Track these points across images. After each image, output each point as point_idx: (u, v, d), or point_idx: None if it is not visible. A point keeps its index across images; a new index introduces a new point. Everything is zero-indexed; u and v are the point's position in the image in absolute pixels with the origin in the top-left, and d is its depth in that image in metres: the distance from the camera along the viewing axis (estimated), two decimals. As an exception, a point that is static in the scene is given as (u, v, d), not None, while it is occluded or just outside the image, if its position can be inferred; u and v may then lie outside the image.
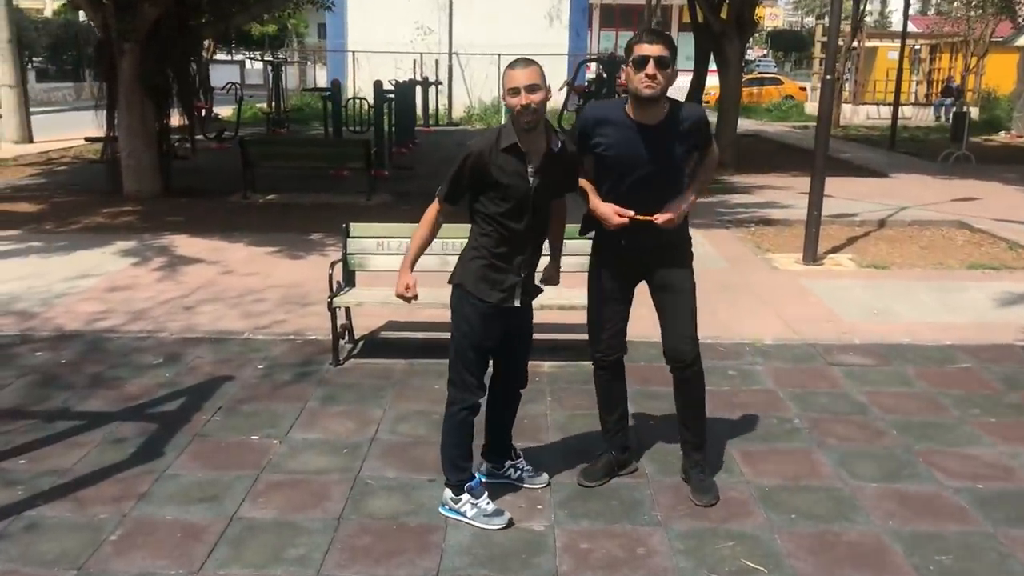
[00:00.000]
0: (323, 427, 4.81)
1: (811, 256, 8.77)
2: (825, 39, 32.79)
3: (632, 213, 3.77)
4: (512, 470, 4.13)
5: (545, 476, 4.15)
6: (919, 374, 5.72)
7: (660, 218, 3.78)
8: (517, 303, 3.73)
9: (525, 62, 3.56)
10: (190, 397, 5.20)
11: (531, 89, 3.47)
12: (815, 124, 8.99)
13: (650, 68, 3.60)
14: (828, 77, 8.48)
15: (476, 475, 3.91)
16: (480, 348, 3.71)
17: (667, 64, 3.63)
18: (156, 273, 8.11)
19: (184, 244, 9.33)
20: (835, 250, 9.46)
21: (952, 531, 3.81)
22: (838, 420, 4.98)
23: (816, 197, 8.65)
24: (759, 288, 7.71)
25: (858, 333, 6.51)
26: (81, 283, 7.68)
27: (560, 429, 4.79)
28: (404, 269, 3.81)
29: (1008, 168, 16.90)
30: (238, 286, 7.64)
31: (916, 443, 4.68)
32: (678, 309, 3.97)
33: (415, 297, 3.83)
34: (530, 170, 3.61)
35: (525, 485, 4.10)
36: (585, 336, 5.96)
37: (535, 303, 3.96)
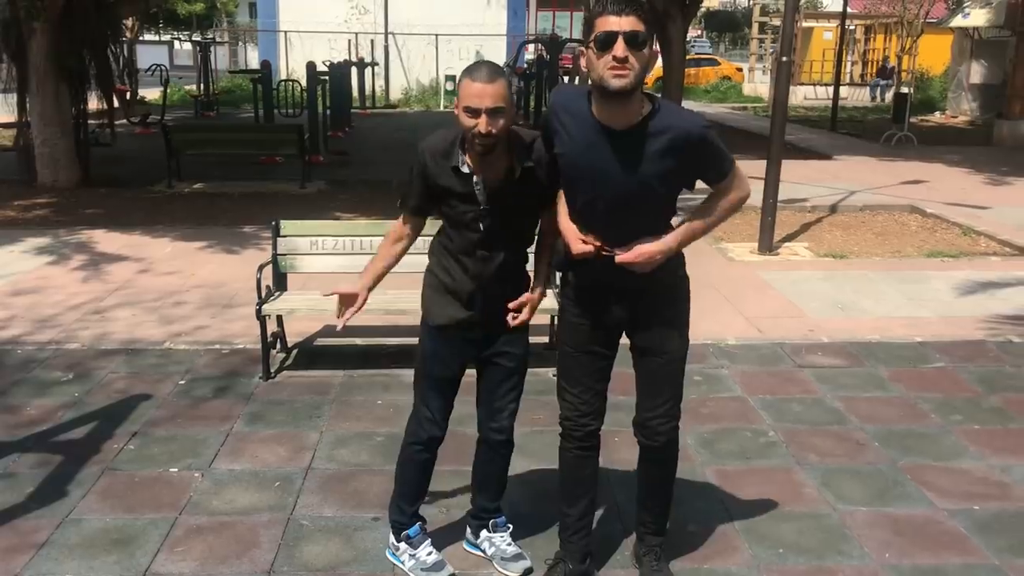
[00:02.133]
0: (251, 455, 4.28)
1: (767, 245, 8.44)
2: (763, 20, 32.90)
3: (597, 243, 2.88)
4: (487, 544, 3.43)
5: (524, 563, 3.35)
6: (894, 376, 5.39)
7: (620, 254, 2.84)
8: (472, 335, 3.14)
9: (490, 72, 2.81)
10: (101, 421, 4.63)
11: (495, 113, 2.78)
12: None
13: (619, 49, 2.61)
14: (784, 59, 8.12)
15: (417, 523, 3.36)
16: (431, 376, 3.19)
17: (642, 42, 2.64)
18: (69, 274, 7.45)
19: (102, 240, 8.65)
20: (790, 238, 9.16)
21: (955, 564, 3.45)
22: (815, 432, 4.61)
23: (772, 185, 8.31)
24: (717, 282, 7.34)
25: (825, 331, 6.18)
26: (-17, 287, 7.00)
27: (518, 451, 4.30)
28: (360, 281, 3.18)
29: (949, 149, 16.88)
30: (159, 287, 7.03)
31: (901, 457, 4.34)
32: (658, 380, 3.12)
33: (343, 319, 3.18)
34: (479, 191, 2.94)
35: (496, 568, 3.38)
36: (543, 339, 5.52)
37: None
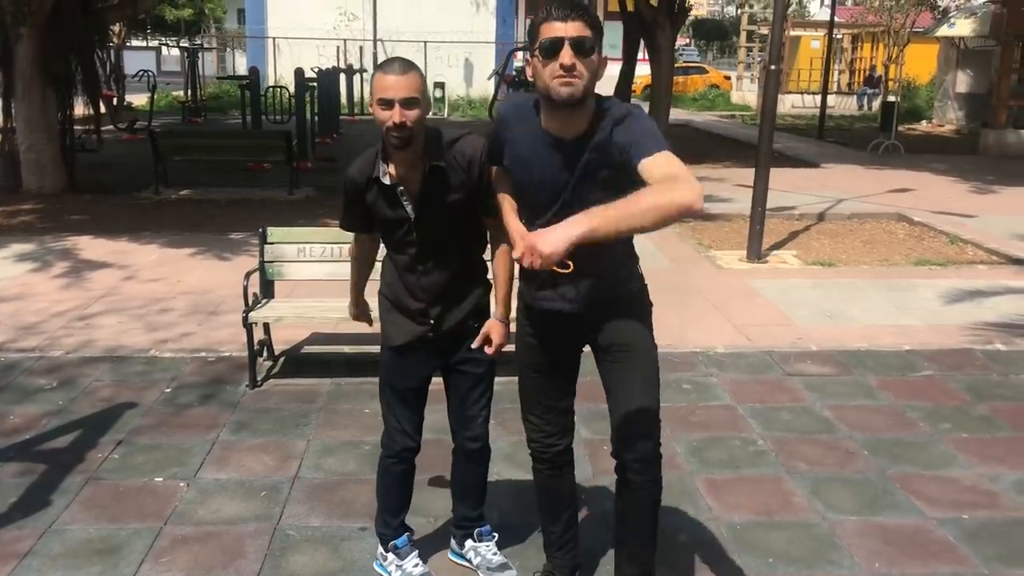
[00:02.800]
0: (237, 464, 4.24)
1: (755, 253, 8.45)
2: (751, 28, 33.05)
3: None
4: (472, 553, 3.39)
5: (510, 573, 3.31)
6: (882, 384, 5.39)
7: (517, 249, 2.36)
8: (434, 346, 3.08)
9: (403, 65, 2.77)
10: (85, 429, 4.58)
11: (408, 104, 2.73)
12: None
13: (565, 56, 2.45)
14: (773, 67, 8.14)
15: (404, 533, 3.32)
16: (396, 389, 3.13)
17: (589, 48, 2.49)
18: (54, 280, 7.38)
19: (87, 246, 8.59)
20: (778, 246, 9.17)
21: (944, 574, 3.44)
22: (804, 440, 4.60)
23: (760, 193, 8.32)
24: (706, 290, 7.34)
25: (813, 339, 6.18)
26: (-33, 293, 6.93)
27: (506, 460, 4.29)
28: (352, 300, 3.41)
29: (935, 158, 16.95)
30: (144, 294, 6.98)
31: (890, 465, 4.33)
32: (632, 382, 2.84)
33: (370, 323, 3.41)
34: (406, 201, 2.90)
35: None
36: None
37: None
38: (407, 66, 2.78)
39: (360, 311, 3.41)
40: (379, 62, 2.85)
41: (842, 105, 30.65)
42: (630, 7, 18.47)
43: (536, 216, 2.70)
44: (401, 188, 2.90)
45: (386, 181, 2.89)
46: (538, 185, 2.70)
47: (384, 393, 3.18)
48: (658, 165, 2.42)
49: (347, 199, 3.02)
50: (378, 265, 3.26)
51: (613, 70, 23.62)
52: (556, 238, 2.24)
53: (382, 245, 3.16)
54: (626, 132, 2.53)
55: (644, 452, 2.89)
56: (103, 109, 13.93)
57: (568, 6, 2.51)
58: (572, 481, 3.20)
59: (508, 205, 2.85)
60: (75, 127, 12.45)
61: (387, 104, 2.74)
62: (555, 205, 2.64)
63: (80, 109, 12.81)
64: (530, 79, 2.55)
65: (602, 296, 2.81)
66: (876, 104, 27.45)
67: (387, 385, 3.16)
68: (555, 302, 2.83)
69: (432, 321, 3.04)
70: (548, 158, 2.65)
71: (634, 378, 2.85)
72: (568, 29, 2.48)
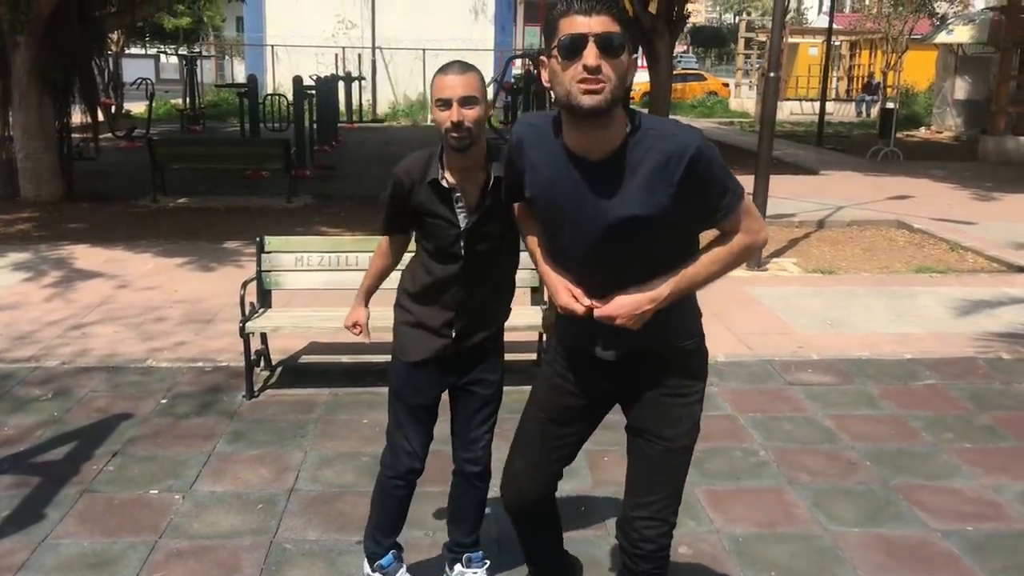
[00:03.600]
0: (234, 476, 4.20)
1: (755, 261, 8.41)
2: (749, 35, 33.07)
3: (587, 301, 2.38)
4: None
5: None
6: (884, 393, 5.35)
7: (598, 309, 2.34)
8: (449, 364, 2.99)
9: (461, 66, 2.71)
10: (80, 441, 4.54)
11: (467, 102, 2.65)
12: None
13: (589, 56, 2.09)
14: (772, 75, 8.11)
15: (391, 551, 3.21)
16: (409, 405, 3.05)
17: (618, 47, 2.13)
18: (49, 289, 7.34)
19: (84, 255, 8.54)
20: (778, 253, 9.13)
21: (950, 587, 3.40)
22: (806, 451, 4.56)
23: (760, 200, 8.28)
24: (705, 298, 7.20)
25: (814, 347, 6.14)
26: (-38, 303, 6.89)
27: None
28: (356, 302, 3.23)
29: (934, 164, 16.95)
30: (140, 303, 6.94)
31: (893, 476, 4.29)
32: (654, 471, 2.53)
33: (367, 337, 3.25)
34: (460, 208, 2.81)
35: None
36: (531, 356, 5.45)
37: None
38: (466, 67, 2.73)
39: (360, 318, 3.21)
40: (438, 68, 2.77)
41: (841, 112, 30.68)
42: (629, 14, 18.43)
43: (575, 254, 2.38)
44: (459, 195, 2.81)
45: (444, 184, 2.80)
46: (560, 214, 2.34)
47: (394, 409, 3.08)
48: (743, 217, 2.36)
49: (391, 199, 2.91)
50: (395, 276, 3.15)
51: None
52: (636, 305, 2.31)
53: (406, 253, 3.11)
54: (703, 179, 2.25)
55: (655, 537, 2.54)
56: (101, 117, 13.92)
57: None
58: (556, 524, 2.93)
59: (537, 249, 2.56)
60: (73, 135, 12.43)
61: (445, 104, 2.68)
62: (576, 235, 2.34)
63: (78, 117, 12.79)
64: (546, 84, 2.24)
65: (650, 348, 2.45)
66: (875, 111, 27.49)
67: (398, 400, 3.06)
68: (595, 345, 2.49)
69: (454, 335, 2.94)
70: (572, 182, 2.28)
71: (657, 469, 2.53)
72: (593, 24, 2.11)
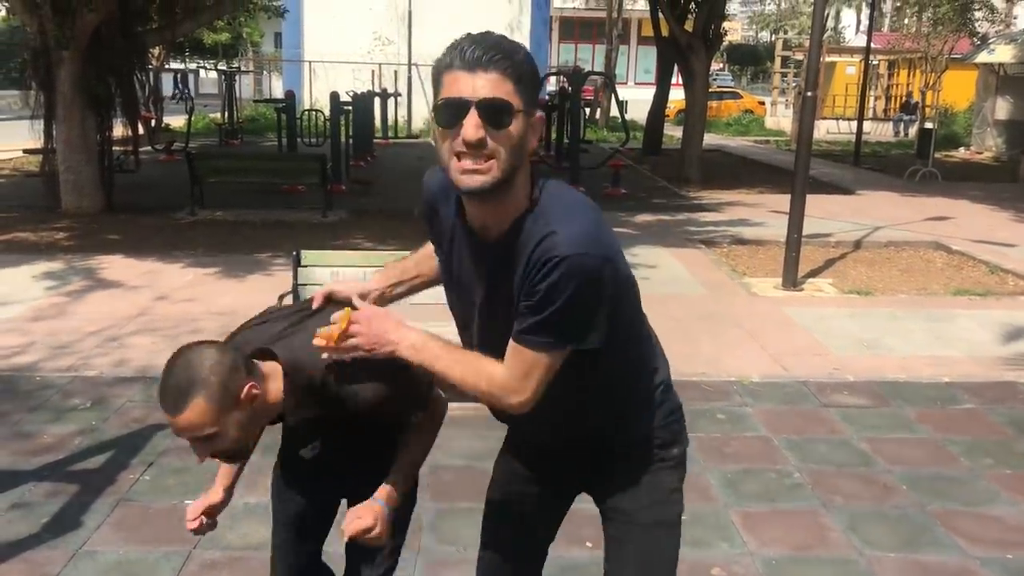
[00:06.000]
0: (266, 488, 4.18)
1: (791, 281, 8.35)
2: (785, 54, 32.93)
3: None
4: None
5: None
6: (921, 417, 5.28)
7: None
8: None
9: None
10: (117, 450, 4.59)
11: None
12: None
13: (469, 127, 1.66)
14: (809, 94, 8.07)
15: None
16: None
17: (508, 115, 1.68)
18: (88, 300, 7.45)
19: (121, 267, 8.66)
20: (813, 273, 9.06)
21: (989, 616, 3.34)
22: (841, 473, 4.51)
23: (796, 220, 8.23)
24: (741, 317, 7.25)
25: (850, 369, 6.07)
26: (0, 311, 6.99)
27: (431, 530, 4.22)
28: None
29: (974, 185, 16.74)
30: (177, 315, 7.02)
31: (930, 501, 4.22)
32: (613, 556, 2.13)
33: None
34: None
35: None
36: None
37: None
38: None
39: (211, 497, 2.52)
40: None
41: (878, 131, 30.42)
42: (664, 32, 18.48)
43: (455, 318, 2.09)
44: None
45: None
46: (449, 282, 2.03)
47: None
48: (511, 356, 1.83)
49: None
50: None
51: (647, 94, 23.67)
52: (382, 330, 1.90)
53: None
54: (539, 284, 1.73)
55: None
56: (141, 131, 14.13)
57: (482, 45, 1.69)
58: None
59: (398, 267, 2.26)
60: (113, 148, 12.62)
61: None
62: (464, 314, 2.02)
63: (119, 130, 12.99)
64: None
65: (582, 437, 2.10)
66: (913, 131, 27.21)
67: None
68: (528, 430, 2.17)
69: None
70: (462, 255, 1.92)
71: (617, 557, 2.13)
72: (477, 85, 1.66)
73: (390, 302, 2.24)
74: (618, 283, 1.81)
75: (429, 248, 2.17)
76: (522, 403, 1.85)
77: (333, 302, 2.13)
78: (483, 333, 1.96)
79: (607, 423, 2.07)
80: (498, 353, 1.86)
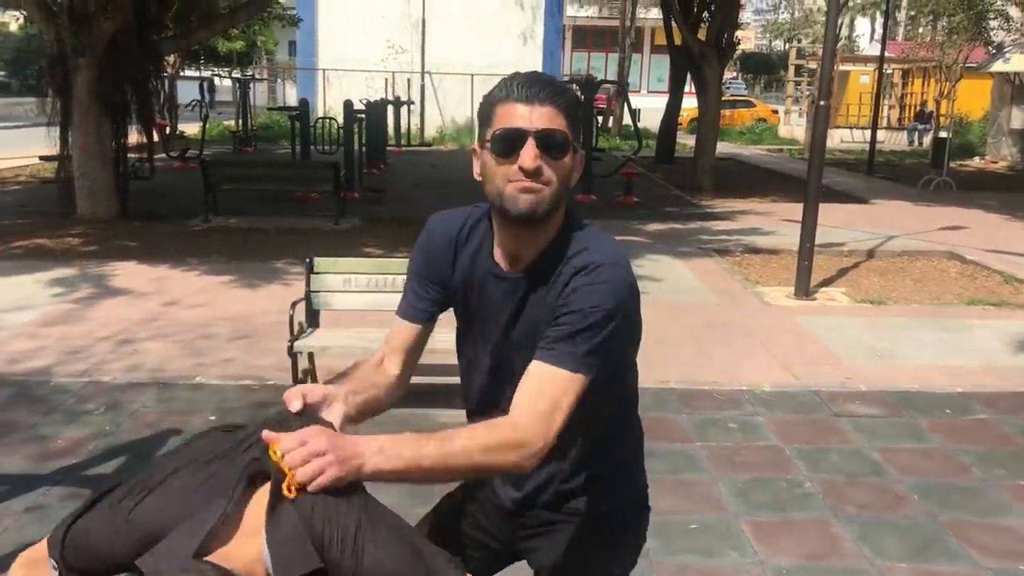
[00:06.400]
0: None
1: (803, 290, 8.33)
2: (799, 63, 32.88)
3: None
4: None
5: None
6: (933, 427, 5.26)
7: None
8: None
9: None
10: (130, 455, 4.62)
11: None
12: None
13: (527, 157, 1.72)
14: (823, 103, 8.07)
15: None
16: None
17: (563, 146, 1.75)
18: (102, 305, 7.50)
19: (136, 272, 8.72)
20: (826, 283, 9.04)
21: (1000, 627, 3.33)
22: (853, 483, 4.49)
23: (809, 229, 8.22)
24: (753, 326, 7.24)
25: (863, 378, 6.06)
26: (15, 317, 7.05)
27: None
28: None
29: (988, 195, 16.67)
30: (190, 321, 7.06)
31: (942, 512, 4.21)
32: None
33: None
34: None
35: None
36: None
37: None
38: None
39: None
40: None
41: (892, 140, 30.34)
42: (678, 41, 18.51)
43: (464, 366, 2.02)
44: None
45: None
46: (475, 334, 1.95)
47: None
48: (536, 387, 1.72)
49: None
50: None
51: (660, 102, 23.68)
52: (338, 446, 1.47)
53: None
54: (572, 296, 1.75)
55: None
56: (156, 138, 14.22)
57: (537, 83, 1.76)
58: None
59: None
60: (128, 155, 12.71)
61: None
62: (483, 357, 1.94)
63: (134, 137, 13.08)
64: (476, 177, 1.84)
65: (545, 501, 2.00)
66: (927, 140, 27.13)
67: None
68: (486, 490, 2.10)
69: None
70: (494, 293, 1.89)
71: None
72: (535, 117, 1.73)
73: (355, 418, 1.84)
74: (638, 305, 1.85)
75: (374, 361, 1.99)
76: (545, 445, 1.68)
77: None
78: (491, 375, 1.91)
79: (605, 472, 1.99)
80: (500, 400, 1.77)
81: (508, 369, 1.85)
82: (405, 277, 2.02)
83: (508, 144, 1.73)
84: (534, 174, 1.72)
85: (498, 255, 1.87)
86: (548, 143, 1.72)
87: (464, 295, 1.93)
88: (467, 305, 1.94)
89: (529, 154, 1.71)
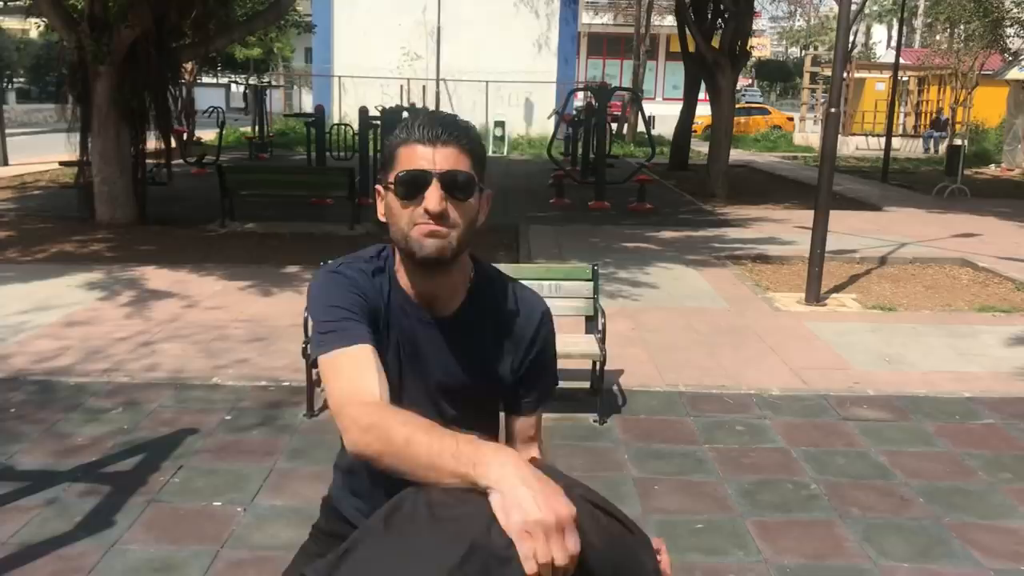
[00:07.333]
0: (293, 491, 4.33)
1: (814, 296, 8.38)
2: (814, 70, 32.86)
3: None
4: None
5: None
6: (940, 431, 5.31)
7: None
8: None
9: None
10: (149, 453, 4.72)
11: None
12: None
13: (432, 199, 1.71)
14: (833, 110, 8.12)
15: None
16: None
17: (467, 187, 1.74)
18: (121, 307, 7.62)
19: (153, 276, 8.85)
20: (837, 289, 9.07)
21: (1001, 625, 3.38)
22: (858, 485, 4.55)
23: (820, 235, 8.27)
24: (762, 331, 7.30)
25: (870, 383, 6.10)
26: (39, 317, 7.18)
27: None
28: None
29: (1002, 203, 16.66)
30: (207, 323, 7.17)
31: (946, 514, 4.26)
32: None
33: None
34: None
35: None
36: (584, 384, 5.49)
37: None
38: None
39: None
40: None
41: (907, 148, 30.27)
42: (692, 49, 18.57)
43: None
44: None
45: None
46: (409, 378, 1.86)
47: None
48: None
49: None
50: None
51: (675, 110, 23.72)
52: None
53: None
54: (545, 349, 1.92)
55: None
56: (174, 144, 14.39)
57: (439, 123, 1.75)
58: None
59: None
60: (147, 161, 12.88)
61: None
62: (423, 407, 1.76)
63: (152, 144, 13.24)
64: (380, 218, 1.83)
65: None
66: (942, 147, 27.08)
67: None
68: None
69: None
70: (422, 337, 1.86)
71: None
72: (438, 158, 1.72)
73: None
74: None
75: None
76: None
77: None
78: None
79: None
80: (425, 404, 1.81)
81: (445, 412, 1.84)
82: (328, 320, 1.78)
83: (412, 186, 1.72)
84: (440, 217, 1.71)
85: (412, 295, 1.85)
86: (452, 184, 1.72)
87: (386, 335, 1.84)
88: (396, 346, 1.85)
89: (434, 196, 1.70)
